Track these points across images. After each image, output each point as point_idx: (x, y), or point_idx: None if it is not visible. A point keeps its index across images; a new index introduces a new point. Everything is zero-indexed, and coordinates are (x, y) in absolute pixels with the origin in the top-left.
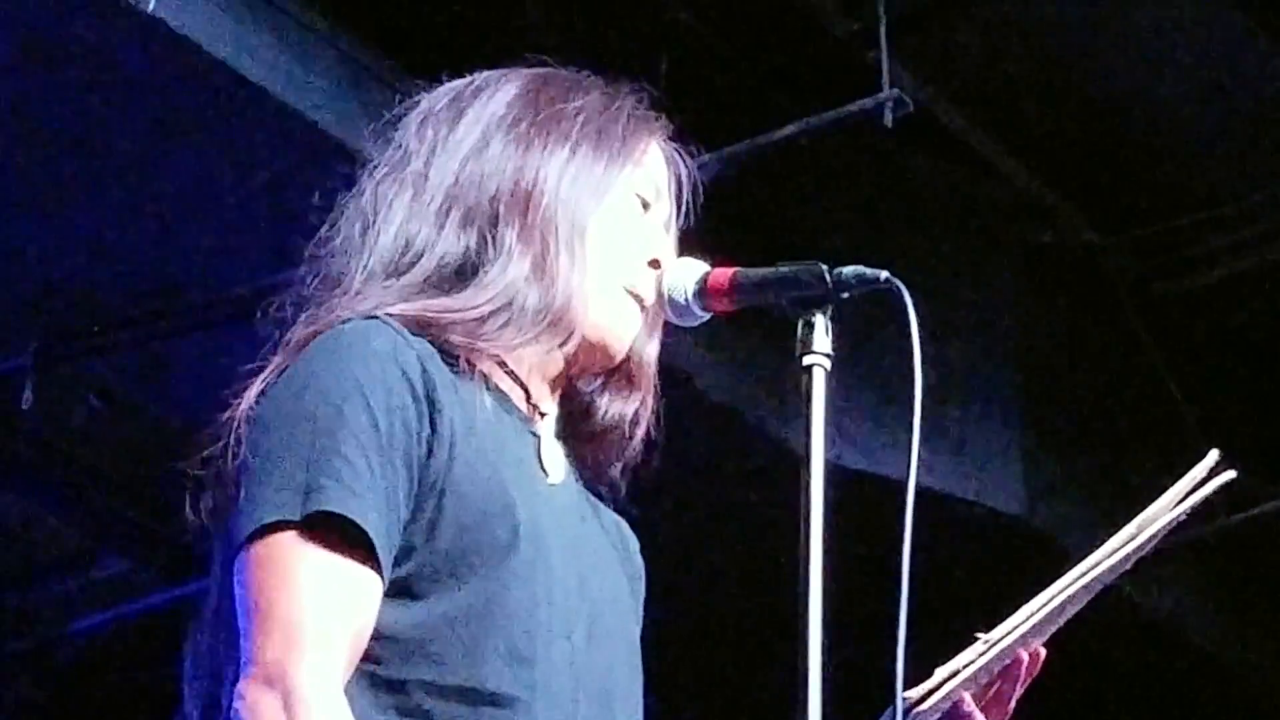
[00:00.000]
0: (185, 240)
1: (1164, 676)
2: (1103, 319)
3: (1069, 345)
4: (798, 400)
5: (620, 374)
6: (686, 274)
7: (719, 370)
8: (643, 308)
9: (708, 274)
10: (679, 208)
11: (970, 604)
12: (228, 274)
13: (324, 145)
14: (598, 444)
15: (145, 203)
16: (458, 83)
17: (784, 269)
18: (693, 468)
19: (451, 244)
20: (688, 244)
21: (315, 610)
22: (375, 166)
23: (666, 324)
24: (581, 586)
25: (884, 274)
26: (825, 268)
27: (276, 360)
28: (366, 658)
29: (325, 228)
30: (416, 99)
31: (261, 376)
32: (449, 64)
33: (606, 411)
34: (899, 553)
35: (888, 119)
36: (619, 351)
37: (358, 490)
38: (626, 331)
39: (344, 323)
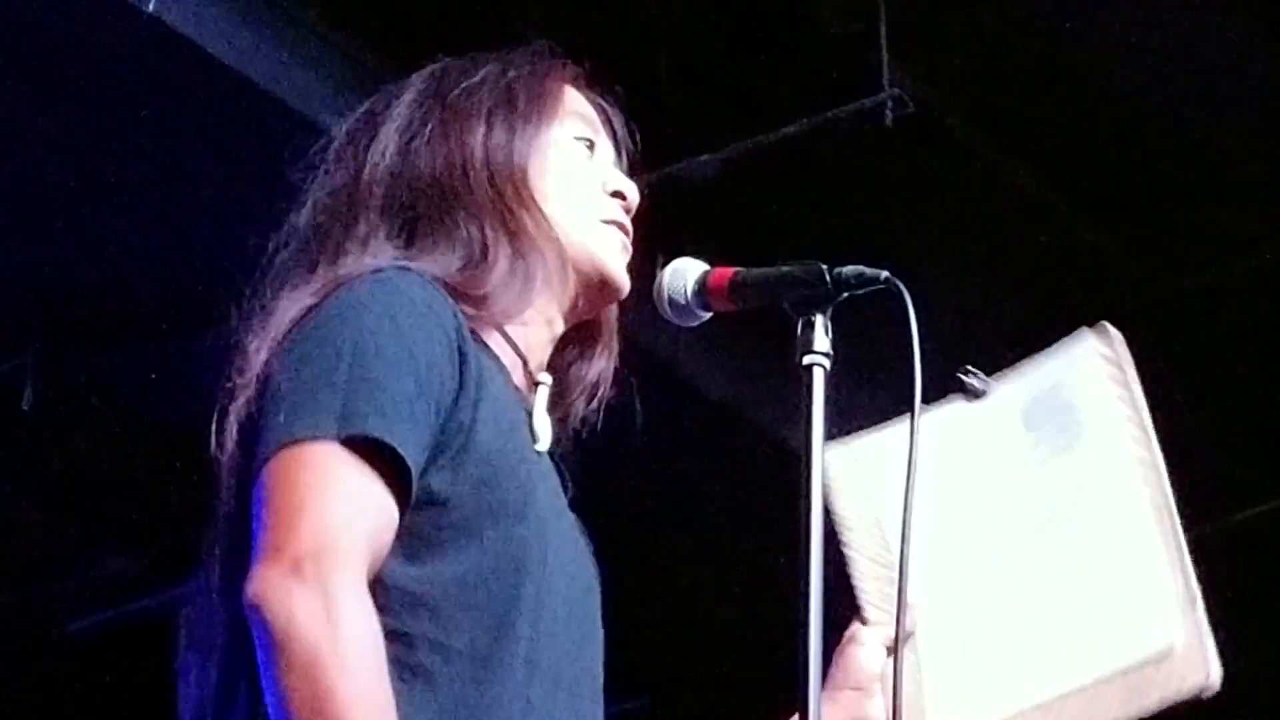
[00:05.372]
0: (185, 240)
1: None
2: (1102, 319)
3: None
4: (798, 400)
5: (587, 335)
6: (686, 274)
7: (719, 370)
8: (625, 232)
9: (707, 274)
10: (617, 145)
11: None
12: (228, 274)
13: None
14: (565, 407)
15: (145, 203)
16: (365, 105)
17: (784, 269)
18: (693, 468)
19: (442, 259)
20: (687, 243)
21: (350, 518)
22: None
23: (667, 324)
24: (568, 561)
25: (884, 274)
26: (825, 268)
27: (305, 301)
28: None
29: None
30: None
31: (289, 315)
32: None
33: (577, 375)
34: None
35: (888, 119)
36: (618, 279)
37: (396, 418)
38: (618, 257)
39: (380, 269)
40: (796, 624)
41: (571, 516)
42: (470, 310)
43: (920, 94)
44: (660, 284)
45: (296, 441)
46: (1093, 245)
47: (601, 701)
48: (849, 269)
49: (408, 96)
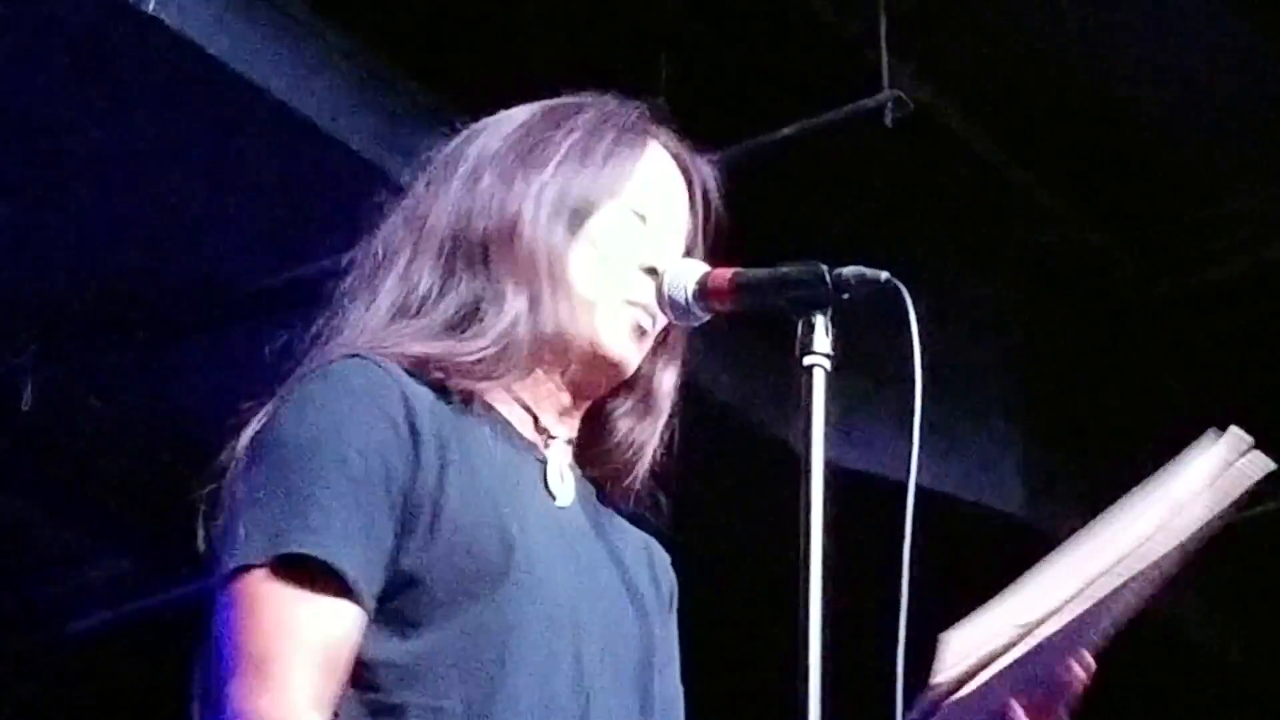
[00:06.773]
0: (185, 240)
1: (1164, 676)
2: (1103, 319)
3: (1069, 345)
4: (798, 400)
5: (638, 396)
6: (686, 274)
7: (719, 370)
8: (648, 315)
9: (708, 274)
10: (697, 209)
11: (970, 604)
12: (228, 274)
13: (323, 145)
14: (607, 463)
15: (145, 203)
16: (478, 123)
17: (784, 269)
18: (693, 468)
19: (455, 290)
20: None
21: (282, 644)
22: (394, 208)
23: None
24: (590, 609)
25: (884, 274)
26: (825, 268)
27: (271, 402)
28: (366, 686)
29: (344, 266)
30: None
31: (258, 416)
32: (448, 64)
33: (618, 431)
34: (899, 553)
35: (888, 119)
36: (623, 361)
37: (329, 529)
38: (627, 342)
39: (329, 363)
40: (797, 625)
41: (612, 563)
42: (460, 380)
43: (920, 94)
44: (660, 285)
45: (239, 569)
46: (1093, 245)
47: None
48: (849, 269)
49: (499, 132)
